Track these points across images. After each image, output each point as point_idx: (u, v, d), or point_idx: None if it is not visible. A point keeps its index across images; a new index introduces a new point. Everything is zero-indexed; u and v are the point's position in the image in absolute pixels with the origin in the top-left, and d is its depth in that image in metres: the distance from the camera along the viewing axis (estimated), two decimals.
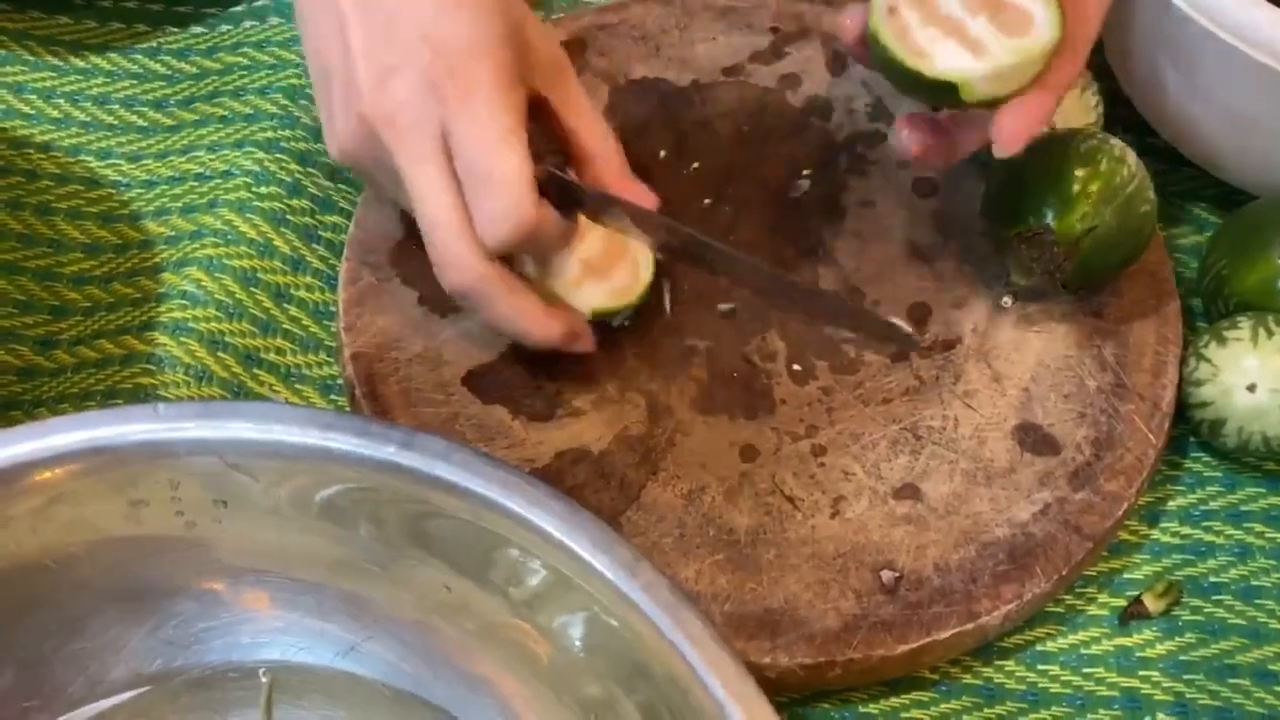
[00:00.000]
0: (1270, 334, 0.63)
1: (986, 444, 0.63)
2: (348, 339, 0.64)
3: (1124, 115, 0.76)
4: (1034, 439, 0.63)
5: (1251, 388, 0.63)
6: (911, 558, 0.60)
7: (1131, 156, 0.64)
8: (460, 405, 0.63)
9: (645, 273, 0.64)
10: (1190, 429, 0.66)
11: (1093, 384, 0.65)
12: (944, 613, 0.59)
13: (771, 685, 0.57)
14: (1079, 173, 0.63)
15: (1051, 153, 0.64)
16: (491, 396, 0.64)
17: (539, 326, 0.61)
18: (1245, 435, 0.63)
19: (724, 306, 0.67)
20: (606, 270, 0.63)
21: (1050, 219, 0.63)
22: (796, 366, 0.65)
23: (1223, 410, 0.63)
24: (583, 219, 0.62)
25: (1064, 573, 0.60)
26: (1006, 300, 0.67)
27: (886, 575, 0.60)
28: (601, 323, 0.64)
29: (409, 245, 0.67)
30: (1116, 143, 0.64)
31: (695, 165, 0.71)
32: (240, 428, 0.49)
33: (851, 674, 0.58)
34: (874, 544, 0.61)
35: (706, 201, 0.69)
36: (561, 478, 0.61)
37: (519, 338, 0.62)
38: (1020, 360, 0.65)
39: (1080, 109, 0.69)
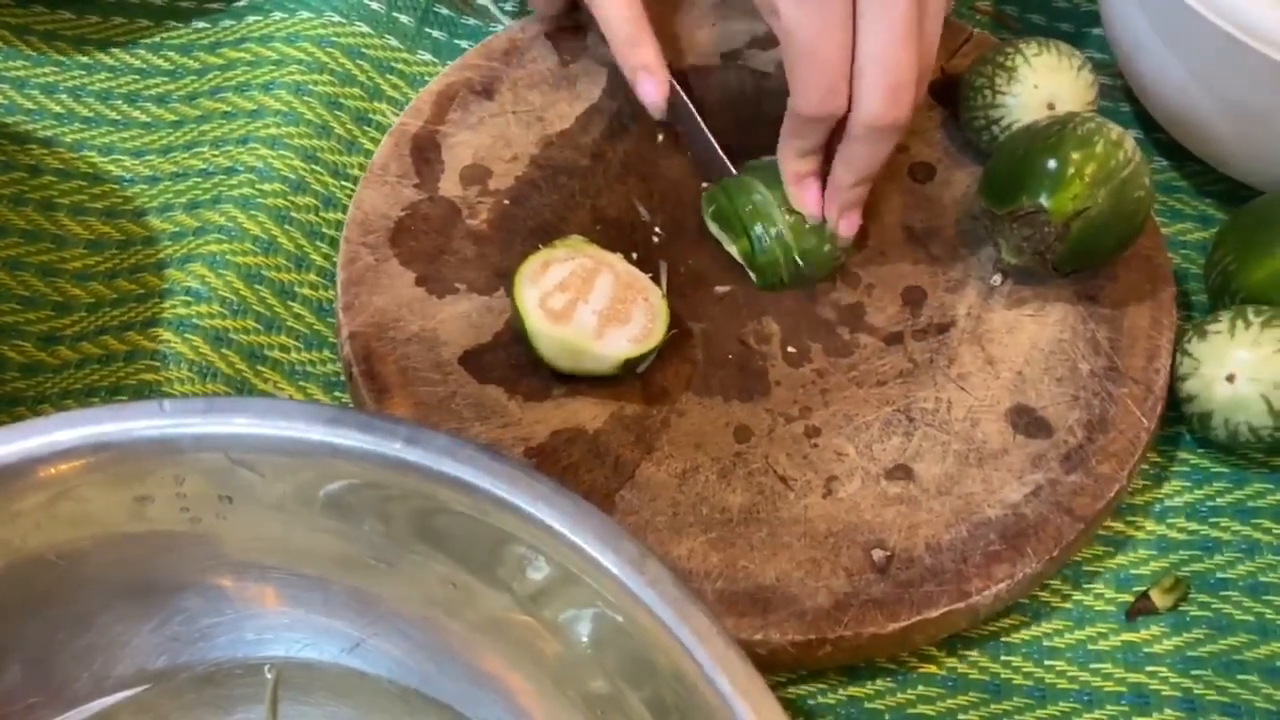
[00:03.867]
0: (1248, 325, 0.61)
1: (979, 426, 0.61)
2: (346, 318, 0.62)
3: (1129, 110, 0.74)
4: (1026, 421, 0.61)
5: (1230, 378, 0.60)
6: (903, 537, 0.58)
7: (1129, 141, 0.62)
8: (457, 385, 0.61)
9: (661, 309, 0.62)
10: (1188, 425, 0.64)
11: (1086, 367, 0.63)
12: (935, 591, 0.57)
13: (763, 663, 0.55)
14: (1074, 154, 0.61)
15: (1049, 134, 0.62)
16: (488, 376, 0.61)
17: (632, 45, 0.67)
18: (1232, 426, 0.61)
19: (720, 289, 0.65)
20: (623, 316, 0.61)
21: (1043, 198, 0.61)
22: (791, 349, 0.63)
23: (1207, 403, 0.61)
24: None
25: (1055, 554, 0.58)
26: (996, 279, 0.65)
27: (878, 554, 0.58)
28: (629, 369, 0.62)
29: (407, 226, 0.65)
30: (1114, 127, 0.62)
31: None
32: (245, 423, 0.47)
33: (842, 652, 0.56)
34: (866, 523, 0.59)
35: (704, 185, 0.67)
36: (556, 457, 0.60)
37: (613, 43, 0.67)
38: (1014, 343, 0.63)
39: (1078, 89, 0.67)
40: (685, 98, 0.67)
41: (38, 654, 0.50)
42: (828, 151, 0.63)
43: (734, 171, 0.66)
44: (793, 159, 0.63)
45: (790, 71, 0.60)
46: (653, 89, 0.66)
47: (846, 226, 0.64)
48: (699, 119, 0.67)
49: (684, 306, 0.64)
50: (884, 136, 0.60)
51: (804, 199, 0.64)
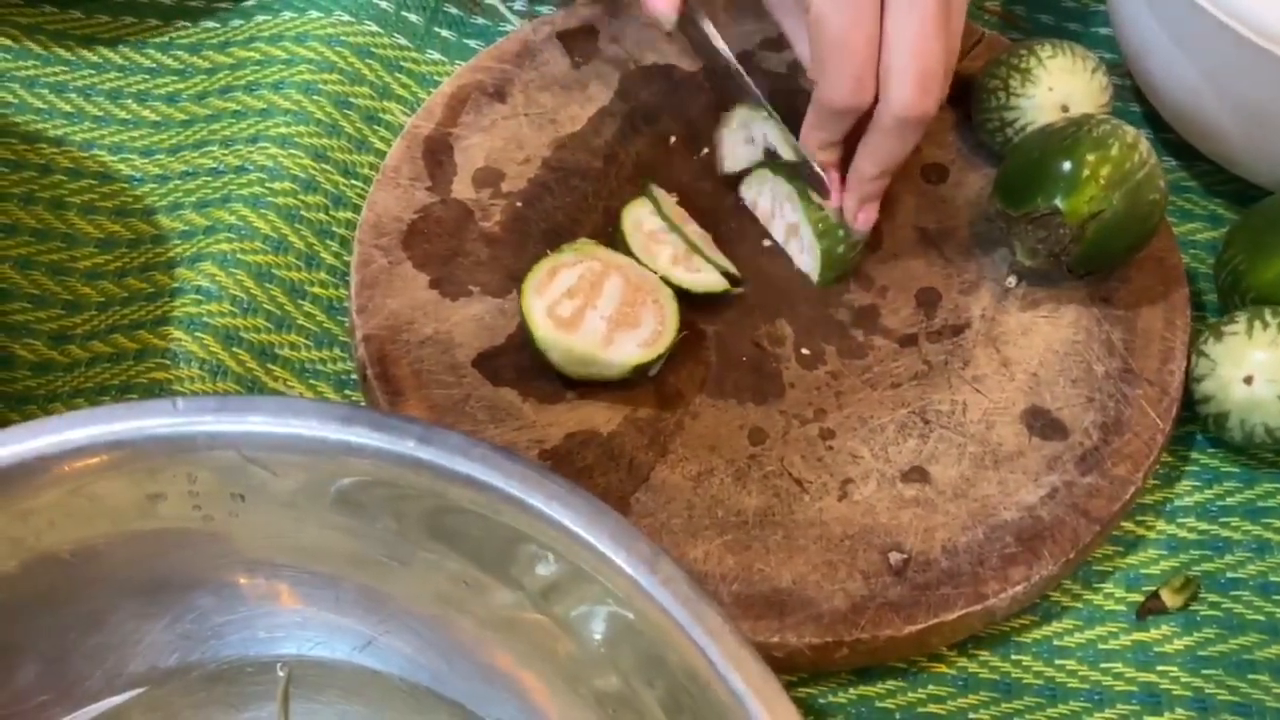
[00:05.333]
0: (1266, 326, 0.61)
1: (995, 428, 0.62)
2: (360, 321, 0.62)
3: (1138, 109, 0.74)
4: (1042, 423, 0.62)
5: (1248, 380, 0.61)
6: (919, 540, 0.59)
7: (1144, 143, 0.62)
8: (471, 387, 0.61)
9: (671, 311, 0.62)
10: (1202, 425, 0.64)
11: (1101, 369, 0.63)
12: (952, 594, 0.57)
13: (779, 665, 0.56)
14: (1090, 156, 0.61)
15: (1064, 136, 0.62)
16: (502, 379, 0.62)
17: None
18: (1248, 428, 0.62)
19: (733, 291, 0.65)
20: (632, 320, 0.61)
21: (1059, 200, 0.61)
22: (805, 351, 0.64)
23: (1224, 404, 0.62)
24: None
25: (1071, 556, 0.58)
26: (1011, 281, 0.66)
27: (894, 557, 0.58)
28: (639, 374, 0.62)
29: (420, 229, 0.65)
30: (1129, 129, 0.62)
31: (705, 150, 0.69)
32: (258, 422, 0.47)
33: (859, 655, 0.57)
34: (882, 526, 0.59)
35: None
36: (571, 459, 0.60)
37: None
38: (1028, 345, 0.64)
39: (1092, 91, 0.67)
40: (704, 16, 0.65)
41: (51, 652, 0.50)
42: (848, 144, 0.63)
43: (755, 91, 0.66)
44: (815, 151, 0.64)
45: (819, 63, 0.60)
46: None
47: (864, 219, 0.65)
48: (717, 36, 0.66)
49: (697, 308, 0.64)
50: (912, 128, 0.60)
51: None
